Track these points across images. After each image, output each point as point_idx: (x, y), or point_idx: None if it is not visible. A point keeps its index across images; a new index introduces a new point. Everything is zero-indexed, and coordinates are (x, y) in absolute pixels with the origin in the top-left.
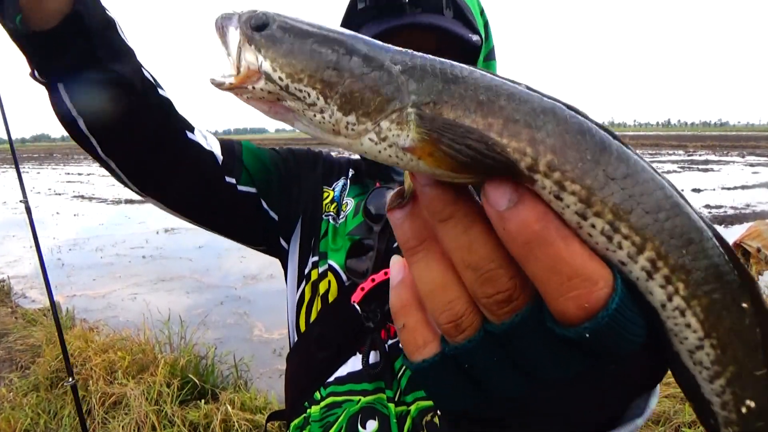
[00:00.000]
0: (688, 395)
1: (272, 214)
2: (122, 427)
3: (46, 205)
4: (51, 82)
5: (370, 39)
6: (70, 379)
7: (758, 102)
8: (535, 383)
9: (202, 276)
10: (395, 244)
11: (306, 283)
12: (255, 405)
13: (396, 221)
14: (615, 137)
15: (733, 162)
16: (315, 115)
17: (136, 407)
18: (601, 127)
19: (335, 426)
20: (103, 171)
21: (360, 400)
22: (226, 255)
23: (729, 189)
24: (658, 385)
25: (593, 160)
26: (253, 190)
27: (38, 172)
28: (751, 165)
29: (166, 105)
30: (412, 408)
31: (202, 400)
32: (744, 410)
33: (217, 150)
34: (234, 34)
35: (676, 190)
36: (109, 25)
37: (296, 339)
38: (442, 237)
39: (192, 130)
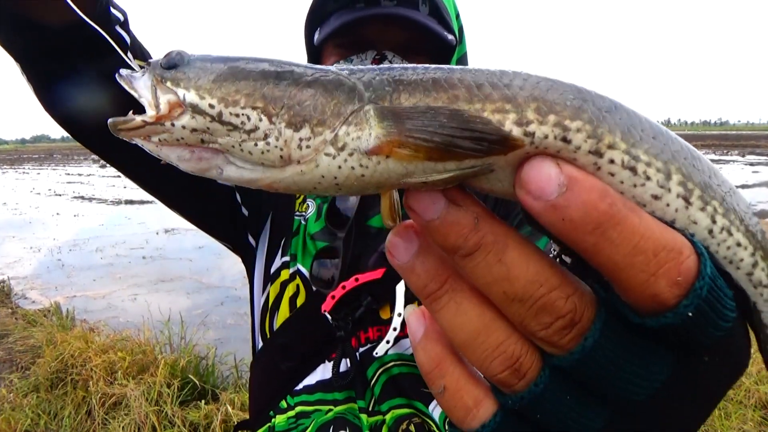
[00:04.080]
0: (754, 331)
1: (243, 209)
2: (122, 427)
3: (46, 206)
4: (54, 82)
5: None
6: None
7: (758, 101)
8: (619, 406)
9: (202, 276)
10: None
11: (271, 284)
12: None
13: (404, 267)
14: None
15: (734, 161)
16: (256, 144)
17: (136, 408)
18: None
19: None
20: (103, 172)
21: (331, 410)
22: (226, 255)
23: None
24: None
25: (579, 98)
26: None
27: (38, 173)
28: (752, 164)
29: None
30: (388, 417)
31: (203, 401)
32: None
33: None
34: (144, 79)
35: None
36: None
37: (260, 345)
38: (470, 273)
39: None
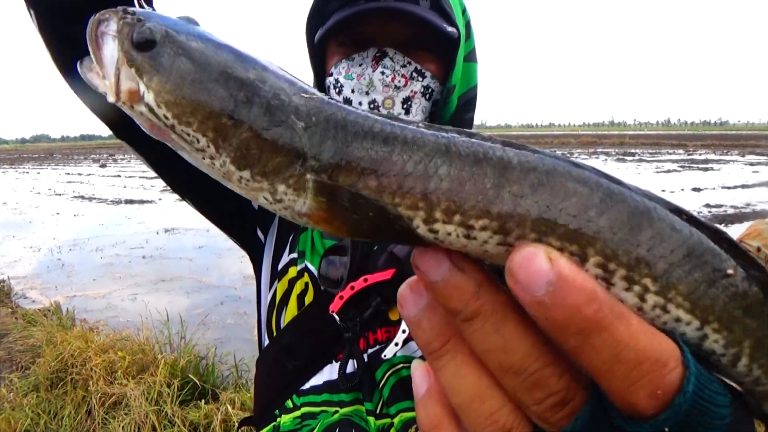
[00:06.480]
0: None
1: (253, 202)
2: (122, 427)
3: (46, 206)
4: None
5: (283, 73)
6: None
7: (758, 101)
8: None
9: (201, 276)
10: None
11: (279, 281)
12: None
13: (411, 319)
14: (514, 145)
15: (733, 161)
16: (203, 158)
17: (136, 407)
18: (496, 141)
19: None
20: (103, 171)
21: (337, 411)
22: (226, 255)
23: (729, 188)
24: None
25: (496, 185)
26: None
27: (38, 173)
28: (751, 164)
29: None
30: (396, 420)
31: (203, 400)
32: None
33: None
34: (111, 49)
35: (605, 177)
36: None
37: (266, 342)
38: (469, 338)
39: None
